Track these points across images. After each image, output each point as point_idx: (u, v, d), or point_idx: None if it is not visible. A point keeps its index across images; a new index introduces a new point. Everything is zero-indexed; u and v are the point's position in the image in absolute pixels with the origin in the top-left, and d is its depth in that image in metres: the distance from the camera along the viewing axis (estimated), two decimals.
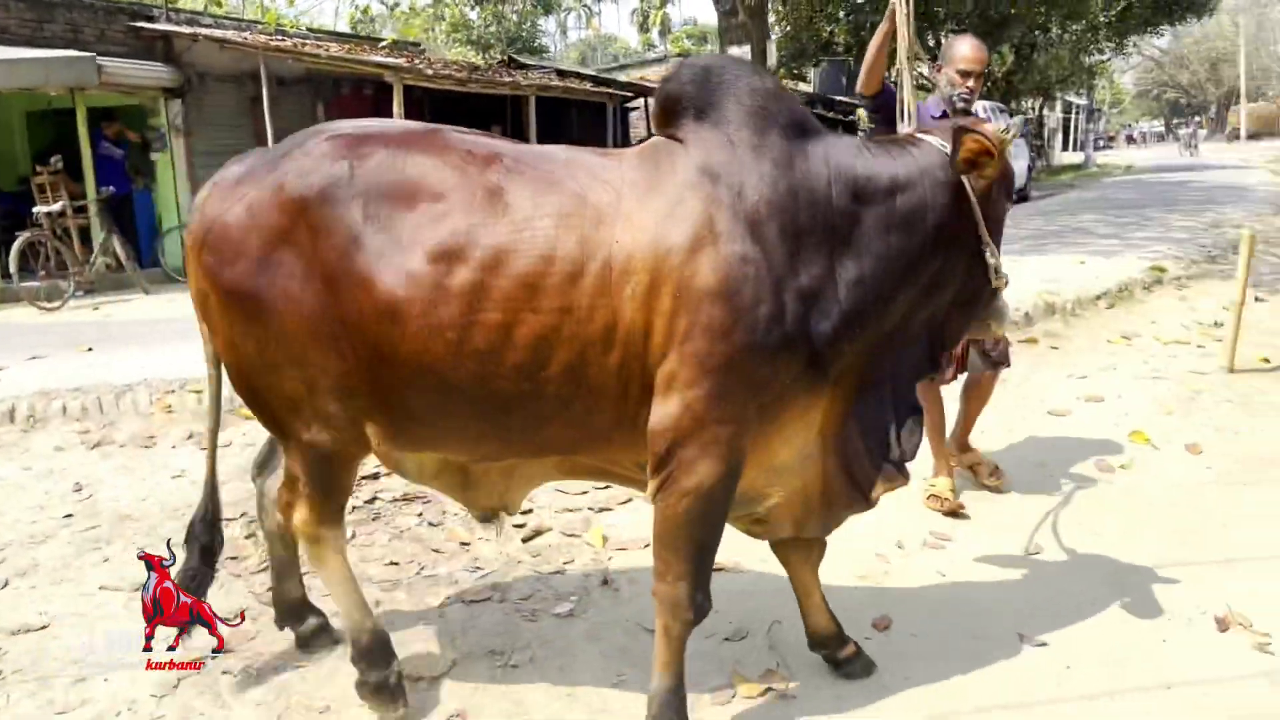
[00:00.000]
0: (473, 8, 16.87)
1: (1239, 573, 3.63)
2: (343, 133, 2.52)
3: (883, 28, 3.64)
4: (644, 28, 63.56)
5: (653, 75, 19.78)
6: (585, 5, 62.46)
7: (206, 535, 2.91)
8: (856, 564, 3.72)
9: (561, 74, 17.22)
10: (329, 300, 2.39)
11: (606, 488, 4.33)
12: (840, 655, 2.98)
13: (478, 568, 3.78)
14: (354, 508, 4.17)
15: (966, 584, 3.62)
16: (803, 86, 23.26)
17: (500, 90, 15.09)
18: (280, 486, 2.79)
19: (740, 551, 3.52)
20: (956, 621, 3.32)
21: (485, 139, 2.57)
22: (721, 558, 2.93)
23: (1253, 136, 49.60)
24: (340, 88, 14.57)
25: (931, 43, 25.05)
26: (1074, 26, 22.07)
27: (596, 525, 4.10)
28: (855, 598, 3.42)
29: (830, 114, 22.54)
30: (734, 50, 11.38)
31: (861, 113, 27.77)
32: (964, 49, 4.08)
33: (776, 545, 2.96)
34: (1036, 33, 21.66)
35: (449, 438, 2.59)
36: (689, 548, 2.48)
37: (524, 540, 3.98)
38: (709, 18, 72.76)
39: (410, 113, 13.00)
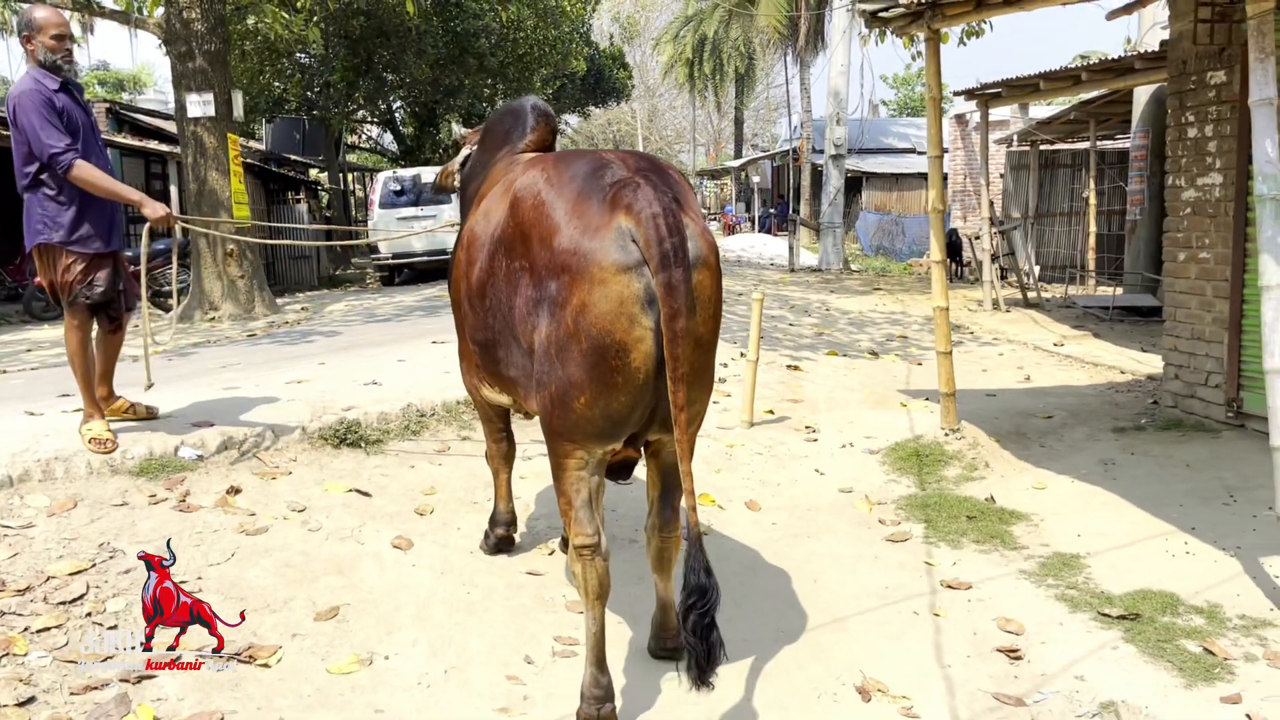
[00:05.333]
0: None
1: (851, 632, 3.70)
2: None
3: None
4: None
5: None
6: None
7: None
8: (488, 693, 3.17)
9: None
10: None
11: (147, 646, 3.28)
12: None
13: None
14: None
15: None
16: (254, 144, 21.82)
17: None
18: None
19: None
20: None
21: None
22: None
23: None
24: None
25: (377, 108, 25.19)
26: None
27: (141, 704, 2.97)
28: None
29: (284, 171, 21.41)
30: (194, 97, 10.08)
31: (314, 171, 26.72)
32: (48, 16, 4.32)
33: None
34: (484, 104, 22.67)
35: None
36: None
37: None
38: (122, 62, 66.31)
39: None
